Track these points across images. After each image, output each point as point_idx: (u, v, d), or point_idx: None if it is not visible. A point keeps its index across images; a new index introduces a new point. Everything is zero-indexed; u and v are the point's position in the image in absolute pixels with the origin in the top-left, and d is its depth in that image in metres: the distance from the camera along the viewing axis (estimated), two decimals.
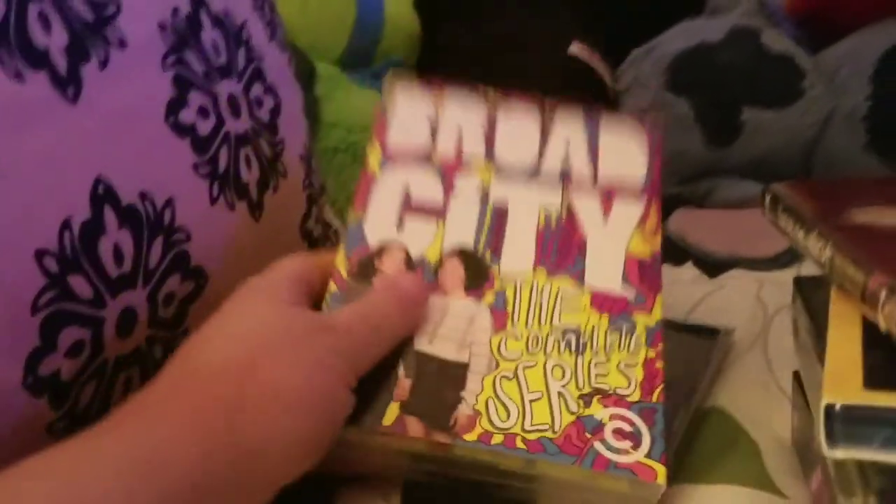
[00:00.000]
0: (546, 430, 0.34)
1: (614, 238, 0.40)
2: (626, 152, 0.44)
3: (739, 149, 0.66)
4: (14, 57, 0.32)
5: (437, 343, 0.37)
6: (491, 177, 0.43)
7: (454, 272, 0.39)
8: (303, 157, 0.55)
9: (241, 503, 0.29)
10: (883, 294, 0.23)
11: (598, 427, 0.34)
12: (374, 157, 0.44)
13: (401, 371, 0.36)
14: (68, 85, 0.34)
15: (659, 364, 0.36)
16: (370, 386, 0.34)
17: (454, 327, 0.37)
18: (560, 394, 0.35)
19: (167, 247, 0.39)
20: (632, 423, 0.34)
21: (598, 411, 0.35)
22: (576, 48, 0.71)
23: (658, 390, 0.35)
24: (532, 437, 0.34)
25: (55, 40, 0.34)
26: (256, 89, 0.49)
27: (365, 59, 0.83)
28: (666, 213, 0.71)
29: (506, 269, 0.39)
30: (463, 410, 0.35)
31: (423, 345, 0.37)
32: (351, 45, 0.82)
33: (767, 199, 0.36)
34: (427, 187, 0.43)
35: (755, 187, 0.66)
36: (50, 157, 0.33)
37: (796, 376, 0.38)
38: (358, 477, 0.37)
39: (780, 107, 0.65)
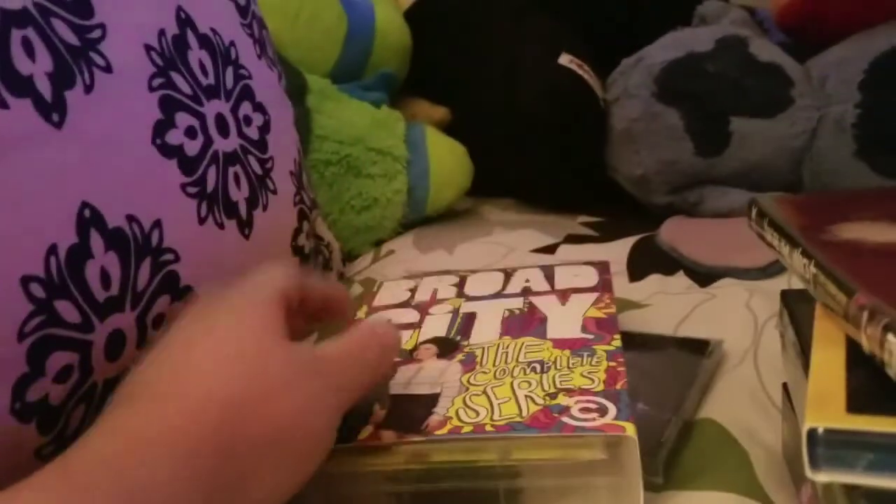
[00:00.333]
0: (514, 417, 0.35)
1: (572, 312, 0.45)
2: (579, 275, 0.51)
3: (729, 158, 0.66)
4: None
5: (412, 387, 0.40)
6: (461, 302, 0.49)
7: (427, 350, 0.44)
8: (293, 172, 0.55)
9: None
10: (864, 316, 0.23)
11: (565, 409, 0.35)
12: (361, 312, 0.50)
13: (376, 406, 0.38)
14: (53, 111, 0.34)
15: (621, 368, 0.38)
16: (347, 420, 0.35)
17: (427, 376, 0.40)
18: (527, 396, 0.37)
19: (155, 268, 0.39)
20: (597, 403, 0.35)
21: (564, 400, 0.36)
22: (565, 59, 0.71)
23: (621, 383, 0.37)
24: (501, 423, 0.35)
25: (39, 66, 0.34)
26: (245, 108, 0.49)
27: (356, 72, 0.84)
28: (657, 222, 0.71)
29: (474, 341, 0.44)
30: (434, 418, 0.36)
31: (398, 389, 0.39)
32: (342, 58, 0.82)
33: (754, 212, 0.36)
34: (406, 316, 0.49)
35: (745, 196, 0.66)
36: (35, 183, 0.33)
37: (785, 388, 0.38)
38: None
39: (769, 116, 0.66)
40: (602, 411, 0.35)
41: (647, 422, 0.39)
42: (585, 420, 0.34)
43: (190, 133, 0.43)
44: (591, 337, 0.42)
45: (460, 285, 0.53)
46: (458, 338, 0.44)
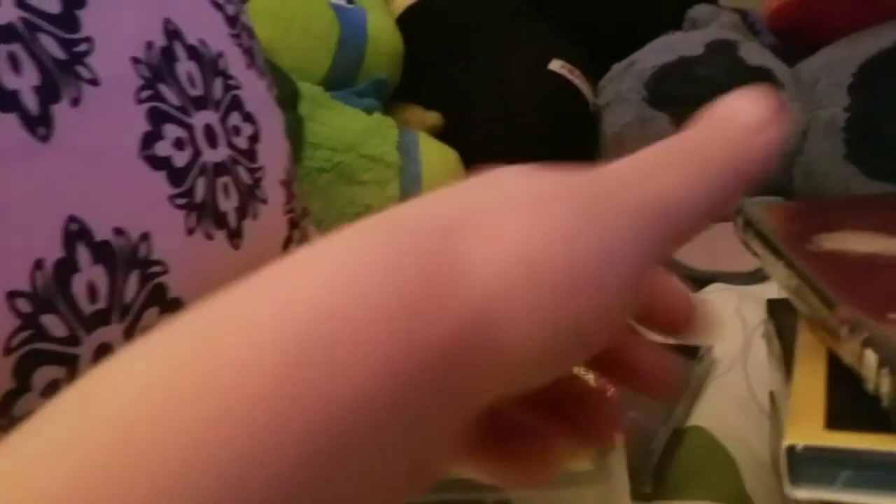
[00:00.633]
0: None
1: None
2: None
3: None
4: None
5: None
6: None
7: None
8: (283, 182, 0.55)
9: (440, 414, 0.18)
10: (845, 330, 0.23)
11: None
12: None
13: None
14: (39, 125, 0.34)
15: None
16: None
17: None
18: None
19: (143, 280, 0.39)
20: None
21: None
22: (556, 65, 0.72)
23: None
24: None
25: (26, 81, 0.34)
26: (234, 118, 0.49)
27: (349, 79, 0.84)
28: None
29: None
30: None
31: None
32: (334, 64, 0.82)
33: (739, 220, 0.36)
34: None
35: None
36: (21, 199, 0.33)
37: (773, 396, 0.38)
38: None
39: None
40: None
41: (638, 430, 0.39)
42: None
43: (178, 144, 0.43)
44: None
45: None
46: None
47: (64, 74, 0.37)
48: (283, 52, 0.79)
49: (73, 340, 0.35)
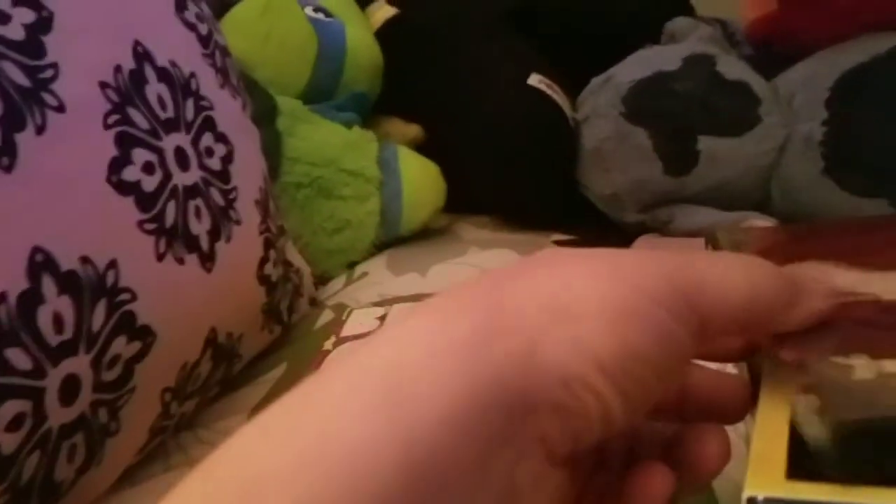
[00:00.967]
0: None
1: None
2: None
3: (698, 177, 0.66)
4: None
5: None
6: None
7: None
8: (258, 201, 0.55)
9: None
10: (787, 370, 0.23)
11: None
12: (329, 343, 0.50)
13: None
14: (3, 155, 0.34)
15: None
16: None
17: None
18: None
19: (111, 309, 0.38)
20: None
21: None
22: (535, 79, 0.71)
23: None
24: None
25: None
26: (207, 139, 0.49)
27: (328, 92, 0.83)
28: (630, 240, 0.71)
29: None
30: None
31: None
32: (313, 78, 0.82)
33: (710, 248, 0.36)
34: None
35: (715, 215, 0.66)
36: None
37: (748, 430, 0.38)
38: None
39: (736, 134, 0.66)
40: None
41: None
42: None
43: (147, 169, 0.43)
44: None
45: None
46: None
47: (28, 102, 0.36)
48: (261, 66, 0.78)
49: (38, 373, 0.34)
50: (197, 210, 0.46)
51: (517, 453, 0.20)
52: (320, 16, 0.84)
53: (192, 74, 0.49)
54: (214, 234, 0.48)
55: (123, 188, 0.41)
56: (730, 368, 0.42)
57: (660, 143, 0.65)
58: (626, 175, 0.68)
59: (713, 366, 0.30)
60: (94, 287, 0.37)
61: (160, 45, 0.46)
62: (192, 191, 0.46)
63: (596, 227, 0.77)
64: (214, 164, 0.49)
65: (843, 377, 0.21)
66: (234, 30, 0.76)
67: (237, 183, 0.51)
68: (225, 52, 0.56)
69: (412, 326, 0.21)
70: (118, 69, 0.42)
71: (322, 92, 0.83)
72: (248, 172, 0.54)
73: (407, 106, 0.86)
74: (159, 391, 0.43)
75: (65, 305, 0.36)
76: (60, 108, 0.38)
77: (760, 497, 0.19)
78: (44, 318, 0.35)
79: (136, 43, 0.44)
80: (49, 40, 0.38)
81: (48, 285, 0.35)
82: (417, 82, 0.84)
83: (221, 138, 0.51)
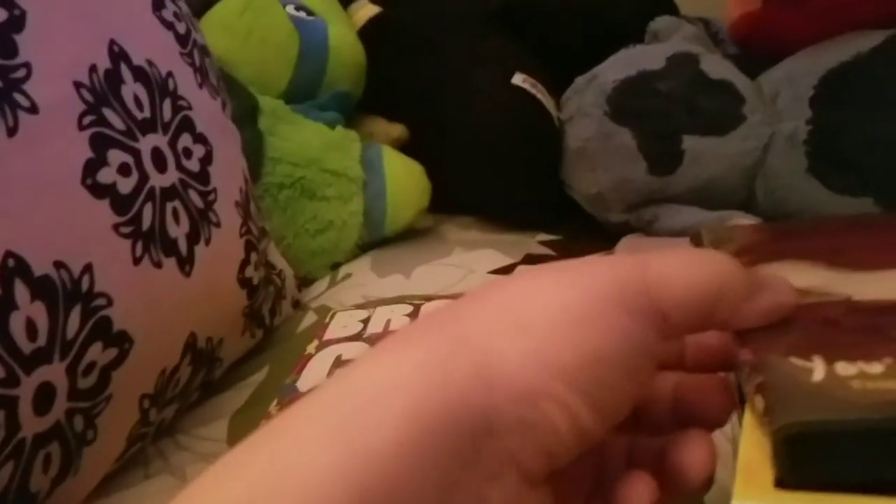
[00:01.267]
0: None
1: None
2: None
3: (682, 177, 0.66)
4: None
5: None
6: None
7: None
8: (238, 203, 0.54)
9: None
10: (745, 373, 0.23)
11: None
12: (311, 346, 0.49)
13: None
14: None
15: None
16: None
17: None
18: None
19: (86, 315, 0.38)
20: None
21: None
22: (519, 79, 0.71)
23: None
24: None
25: None
26: (185, 140, 0.48)
27: (310, 92, 0.82)
28: (615, 240, 0.71)
29: None
30: None
31: None
32: (295, 77, 0.81)
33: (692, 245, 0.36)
34: (357, 351, 0.47)
35: (699, 214, 0.66)
36: None
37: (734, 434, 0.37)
38: None
39: (721, 134, 0.65)
40: None
41: None
42: None
43: (123, 170, 0.42)
44: None
45: (413, 315, 0.52)
46: None
47: None
48: (241, 65, 0.77)
49: (11, 382, 0.34)
50: (175, 212, 0.45)
51: (486, 475, 0.20)
52: (302, 14, 0.83)
53: (170, 74, 0.48)
54: (193, 237, 0.47)
55: (98, 191, 0.40)
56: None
57: (644, 142, 0.65)
58: (611, 174, 0.68)
59: None
60: (68, 292, 0.37)
61: (137, 44, 0.45)
62: (169, 193, 0.45)
63: (581, 227, 0.76)
64: (193, 165, 0.48)
65: (797, 378, 0.21)
66: (215, 28, 0.75)
67: (217, 184, 0.51)
68: (204, 51, 0.55)
69: (371, 357, 0.22)
70: (93, 69, 0.41)
71: (304, 91, 0.82)
72: (228, 173, 0.53)
73: (390, 105, 0.86)
74: (137, 398, 0.42)
75: (38, 312, 0.35)
76: (33, 109, 0.37)
77: None
78: (16, 324, 0.34)
79: (112, 42, 0.43)
80: (21, 39, 0.37)
81: (21, 291, 0.34)
82: (401, 81, 0.84)
83: (200, 139, 0.50)
